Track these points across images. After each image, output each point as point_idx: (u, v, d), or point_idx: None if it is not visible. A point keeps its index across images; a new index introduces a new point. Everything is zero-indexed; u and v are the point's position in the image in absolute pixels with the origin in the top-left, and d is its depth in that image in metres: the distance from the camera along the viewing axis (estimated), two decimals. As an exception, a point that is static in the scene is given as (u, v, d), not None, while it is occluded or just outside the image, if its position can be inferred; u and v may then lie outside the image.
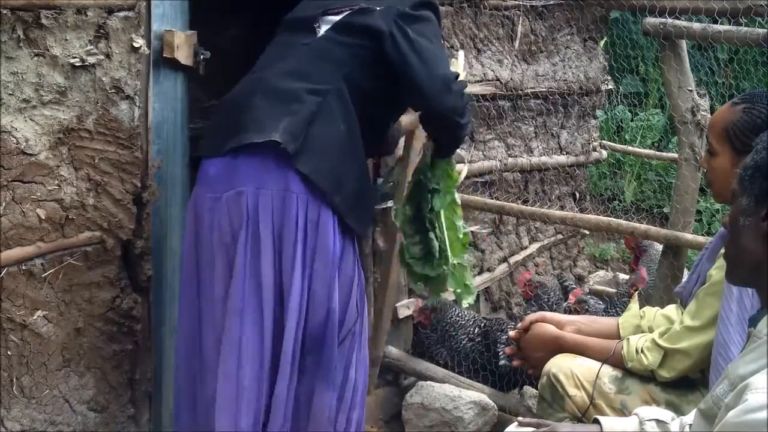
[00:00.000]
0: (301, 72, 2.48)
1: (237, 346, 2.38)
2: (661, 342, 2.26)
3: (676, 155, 3.79)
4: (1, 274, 2.35)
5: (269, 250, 2.38)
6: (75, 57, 2.40)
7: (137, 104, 2.60)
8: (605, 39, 5.26)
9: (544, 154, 4.32)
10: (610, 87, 4.79)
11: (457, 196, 2.72)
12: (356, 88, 2.48)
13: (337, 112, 2.44)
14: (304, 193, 2.36)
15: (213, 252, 2.44)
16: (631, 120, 7.63)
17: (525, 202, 4.05)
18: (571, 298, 3.54)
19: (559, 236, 4.58)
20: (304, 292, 2.39)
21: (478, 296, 4.07)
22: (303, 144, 2.36)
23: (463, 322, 3.53)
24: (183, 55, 2.72)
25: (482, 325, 3.54)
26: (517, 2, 3.97)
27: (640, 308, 2.53)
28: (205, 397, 2.48)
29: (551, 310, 3.33)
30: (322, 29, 2.55)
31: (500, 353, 3.29)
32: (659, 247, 3.71)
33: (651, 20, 3.25)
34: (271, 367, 2.42)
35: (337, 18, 2.55)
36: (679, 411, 2.07)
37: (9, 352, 2.42)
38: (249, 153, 2.39)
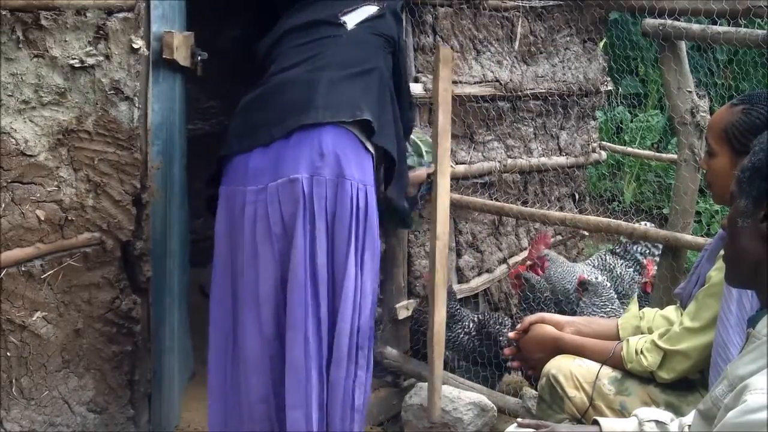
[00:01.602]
0: (349, 59, 2.61)
1: (303, 337, 2.39)
2: (660, 343, 2.26)
3: (675, 156, 3.79)
4: (1, 275, 2.35)
5: (324, 239, 2.41)
6: (74, 58, 2.40)
7: (137, 105, 2.60)
8: (605, 40, 5.26)
9: (543, 155, 4.31)
10: (609, 88, 4.78)
11: None
12: (388, 70, 2.71)
13: (384, 89, 2.63)
14: (355, 180, 2.44)
15: (256, 248, 2.43)
16: (631, 121, 7.62)
17: (524, 203, 4.05)
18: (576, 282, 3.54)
19: (559, 237, 4.58)
20: (358, 282, 2.45)
21: (477, 296, 4.08)
22: (379, 120, 2.53)
23: (459, 318, 3.56)
24: (182, 56, 2.72)
25: (475, 319, 3.60)
26: (516, 3, 3.97)
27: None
28: (250, 394, 2.47)
29: (540, 310, 3.33)
30: (349, 24, 2.70)
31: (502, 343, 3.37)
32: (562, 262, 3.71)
33: (650, 21, 3.25)
34: (327, 358, 2.45)
35: (356, 15, 2.72)
36: (678, 412, 2.07)
37: (8, 353, 2.42)
38: (298, 140, 2.43)
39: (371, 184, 2.51)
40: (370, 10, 2.74)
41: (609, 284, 3.59)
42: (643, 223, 3.79)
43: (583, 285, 3.45)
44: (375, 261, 2.52)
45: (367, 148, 2.52)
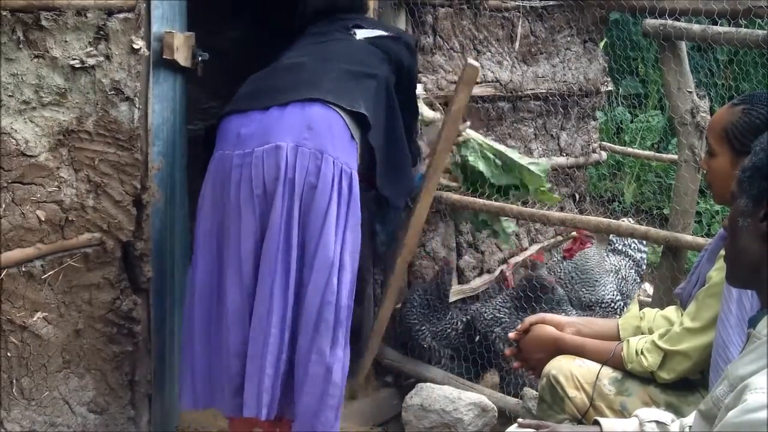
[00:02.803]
0: (354, 59, 2.79)
1: (268, 297, 2.50)
2: (660, 343, 2.26)
3: (675, 156, 3.79)
4: (1, 276, 2.35)
5: (298, 209, 2.51)
6: (75, 58, 2.40)
7: (137, 106, 2.60)
8: (605, 40, 5.26)
9: (543, 156, 4.31)
10: (609, 88, 4.79)
11: None
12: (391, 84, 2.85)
13: (381, 95, 2.76)
14: (339, 160, 2.55)
15: (240, 208, 2.54)
16: (631, 121, 7.61)
17: (525, 203, 4.05)
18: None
19: (559, 238, 4.58)
20: (336, 257, 2.54)
21: (477, 296, 4.07)
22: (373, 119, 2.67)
23: (443, 314, 3.59)
24: (182, 56, 2.72)
25: (464, 319, 3.62)
26: (516, 3, 3.98)
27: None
28: (229, 346, 2.57)
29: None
30: (358, 36, 2.90)
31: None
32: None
33: (651, 21, 3.25)
34: (293, 323, 2.55)
35: (367, 32, 2.92)
36: (678, 412, 2.07)
37: (9, 354, 2.42)
38: (291, 112, 2.56)
39: (355, 169, 2.62)
40: (383, 33, 2.96)
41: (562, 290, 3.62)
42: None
43: (540, 282, 3.45)
44: (356, 242, 2.63)
45: (353, 138, 2.65)
